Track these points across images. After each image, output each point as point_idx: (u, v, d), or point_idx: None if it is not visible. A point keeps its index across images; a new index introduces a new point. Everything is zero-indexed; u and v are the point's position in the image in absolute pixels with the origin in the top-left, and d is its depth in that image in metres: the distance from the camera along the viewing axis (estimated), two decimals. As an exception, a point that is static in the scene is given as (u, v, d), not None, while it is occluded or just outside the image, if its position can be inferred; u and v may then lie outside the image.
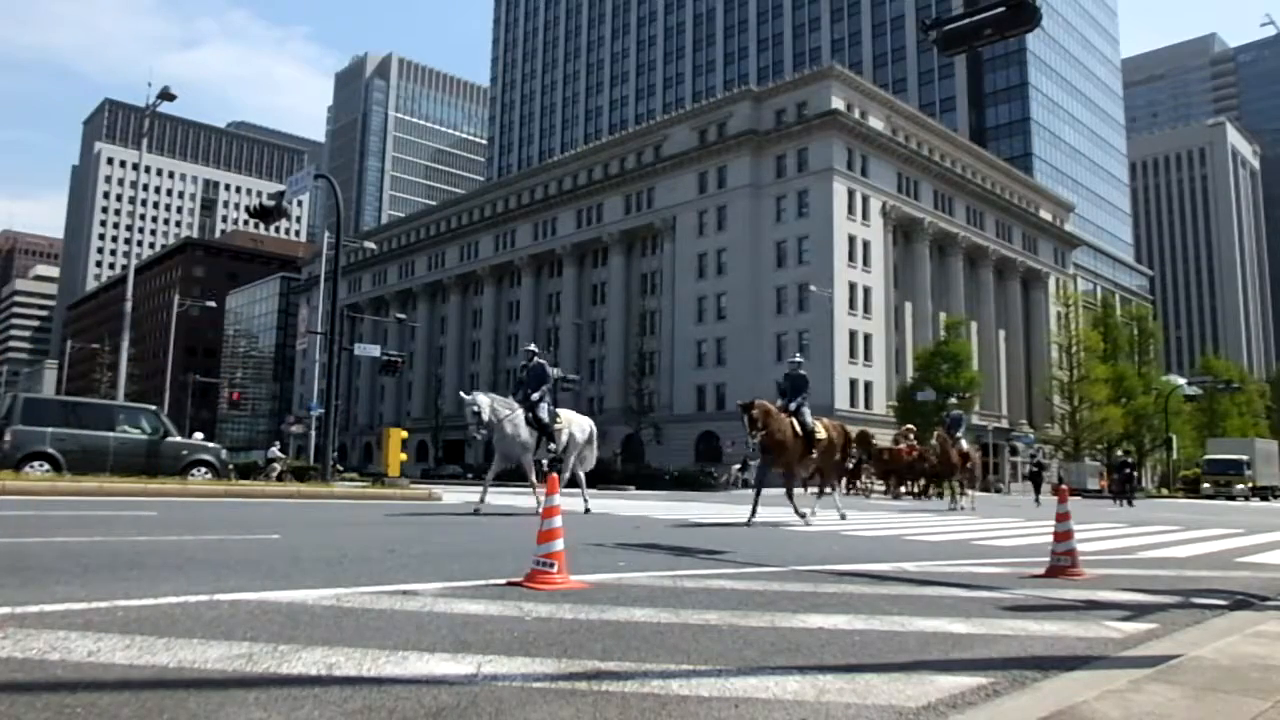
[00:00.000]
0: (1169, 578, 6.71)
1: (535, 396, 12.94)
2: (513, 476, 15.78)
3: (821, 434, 12.85)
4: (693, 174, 66.47)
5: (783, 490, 13.36)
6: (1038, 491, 31.49)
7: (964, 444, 20.18)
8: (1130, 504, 30.78)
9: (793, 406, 12.69)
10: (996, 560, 7.70)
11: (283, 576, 4.96)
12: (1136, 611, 4.75)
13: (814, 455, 12.70)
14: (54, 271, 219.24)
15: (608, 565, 6.14)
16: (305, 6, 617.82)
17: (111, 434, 16.51)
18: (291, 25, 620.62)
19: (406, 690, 2.63)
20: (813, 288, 52.85)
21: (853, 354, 59.02)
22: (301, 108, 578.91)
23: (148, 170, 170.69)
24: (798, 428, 12.49)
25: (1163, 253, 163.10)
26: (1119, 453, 35.47)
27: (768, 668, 3.12)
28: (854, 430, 15.71)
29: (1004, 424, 67.97)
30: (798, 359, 13.62)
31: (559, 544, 4.88)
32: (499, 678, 2.82)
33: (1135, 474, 34.50)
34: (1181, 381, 67.65)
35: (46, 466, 15.27)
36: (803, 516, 12.53)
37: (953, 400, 22.55)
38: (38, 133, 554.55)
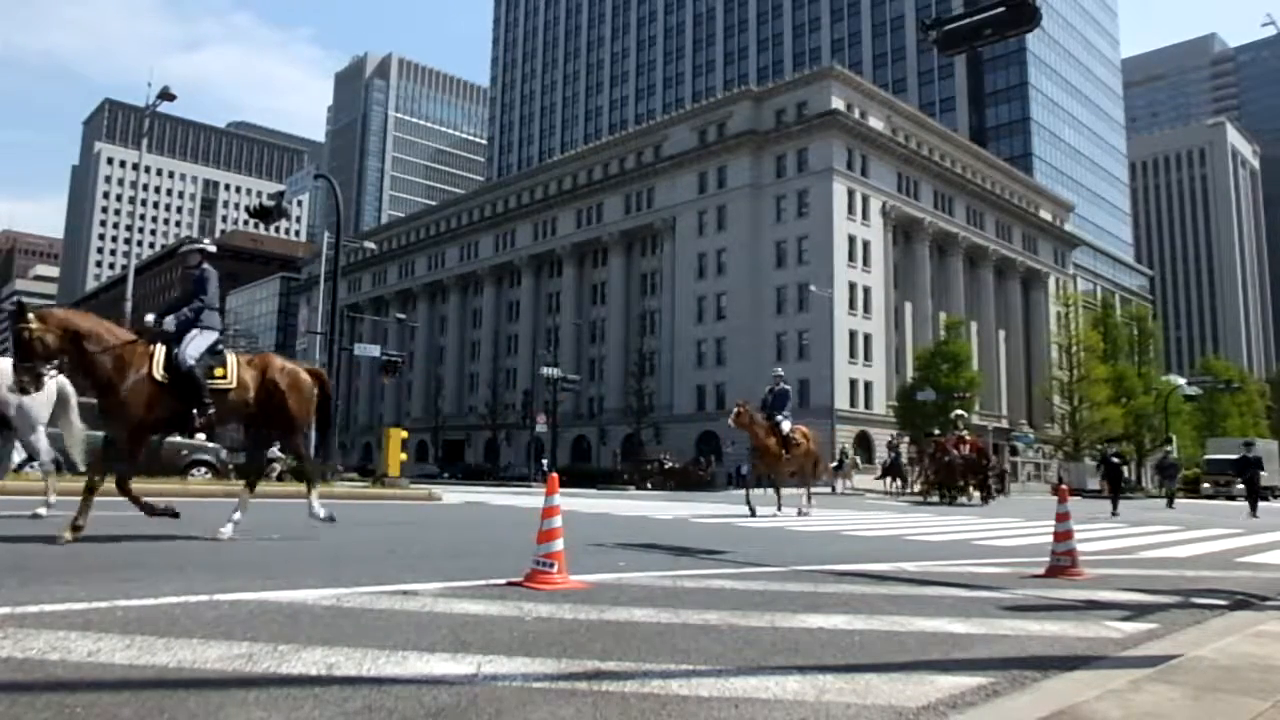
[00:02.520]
0: (1169, 578, 6.71)
1: None
2: (514, 476, 15.18)
3: (225, 377, 7.01)
4: (693, 174, 66.48)
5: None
6: (1115, 494, 21.30)
7: (786, 425, 15.96)
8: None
9: (169, 324, 6.89)
10: (996, 560, 7.70)
11: (283, 576, 4.96)
12: (1136, 611, 4.75)
13: (200, 422, 6.89)
14: (54, 271, 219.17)
15: (608, 565, 6.14)
16: (307, 8, 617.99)
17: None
18: (293, 27, 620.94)
19: (406, 690, 2.63)
20: (813, 288, 52.86)
21: (853, 354, 59.02)
22: (303, 109, 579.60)
23: (148, 170, 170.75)
24: (157, 369, 6.64)
25: (1163, 253, 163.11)
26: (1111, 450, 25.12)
27: (768, 668, 3.12)
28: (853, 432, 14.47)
29: (1004, 424, 68.00)
30: (204, 242, 7.59)
31: (559, 544, 4.88)
32: (499, 678, 2.82)
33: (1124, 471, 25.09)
34: (1181, 381, 67.61)
35: (46, 466, 15.25)
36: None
37: (779, 372, 14.37)
38: (38, 133, 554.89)
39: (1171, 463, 30.95)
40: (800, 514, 15.13)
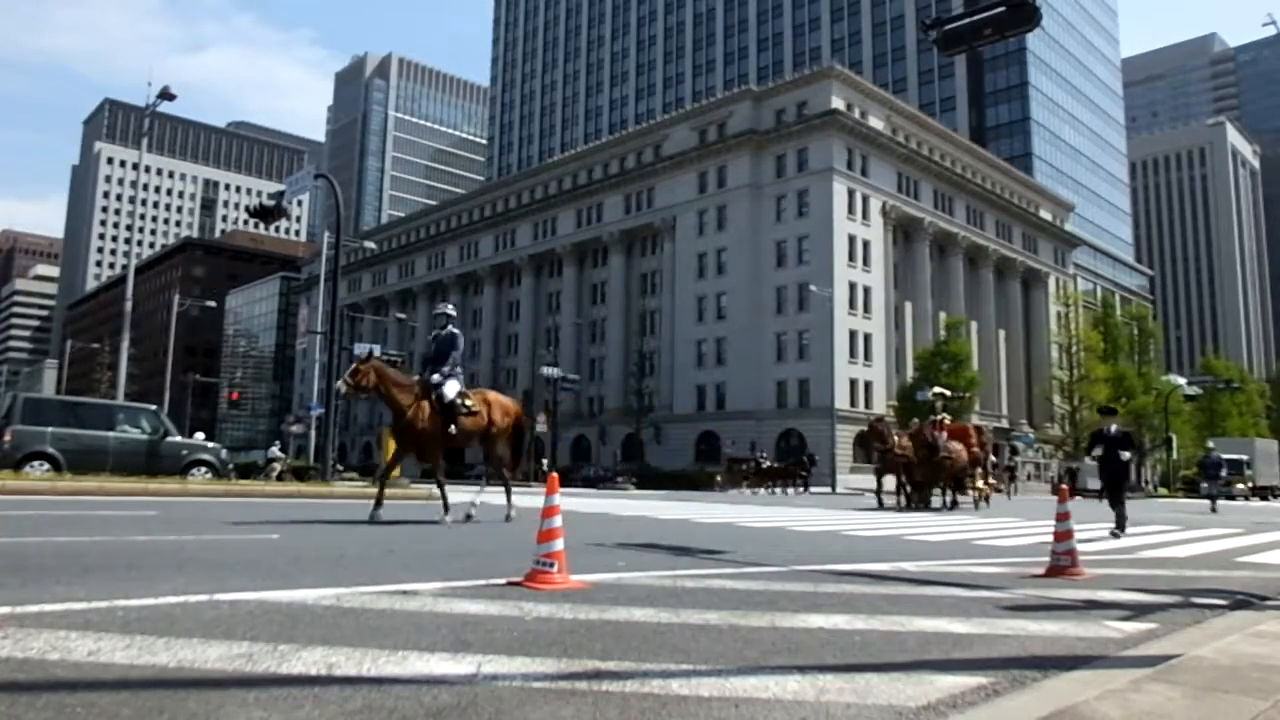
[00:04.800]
0: (1169, 578, 6.71)
1: None
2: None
3: None
4: (693, 174, 66.49)
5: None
6: (1117, 497, 12.61)
7: (450, 389, 10.23)
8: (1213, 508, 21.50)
9: None
10: (996, 560, 7.69)
11: (283, 576, 4.95)
12: (1136, 611, 4.75)
13: None
14: (54, 271, 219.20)
15: (608, 565, 6.14)
16: (308, 10, 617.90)
17: (111, 434, 16.51)
18: (295, 29, 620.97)
19: (406, 690, 2.63)
20: (813, 288, 52.87)
21: (853, 354, 59.02)
22: (303, 110, 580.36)
23: (148, 170, 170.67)
24: None
25: (1163, 253, 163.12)
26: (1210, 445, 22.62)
27: (768, 668, 3.12)
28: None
29: (1004, 424, 67.97)
30: None
31: (559, 544, 4.87)
32: (499, 677, 2.82)
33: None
34: (1181, 381, 67.56)
35: (46, 466, 15.28)
36: None
37: (446, 309, 10.54)
38: (38, 133, 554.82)
39: (1215, 460, 25.64)
40: (508, 519, 10.56)
